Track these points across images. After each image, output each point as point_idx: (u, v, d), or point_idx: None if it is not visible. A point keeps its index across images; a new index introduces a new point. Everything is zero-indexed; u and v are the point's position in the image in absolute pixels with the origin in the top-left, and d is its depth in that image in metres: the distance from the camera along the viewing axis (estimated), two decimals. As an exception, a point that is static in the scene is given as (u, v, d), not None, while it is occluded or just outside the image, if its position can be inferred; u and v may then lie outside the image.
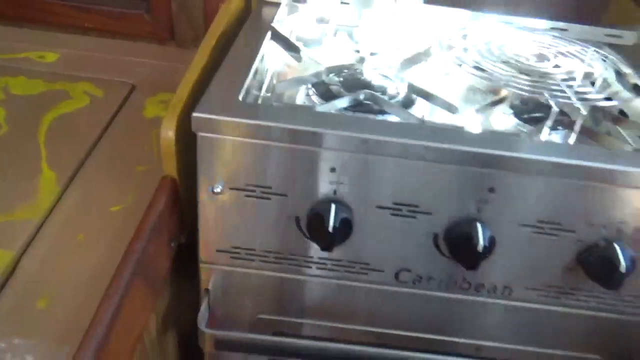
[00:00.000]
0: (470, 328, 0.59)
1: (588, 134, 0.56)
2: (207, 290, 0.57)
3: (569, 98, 0.56)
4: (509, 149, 0.47)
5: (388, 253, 0.53)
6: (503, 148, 0.47)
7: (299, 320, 0.60)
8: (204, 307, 0.56)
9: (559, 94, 0.57)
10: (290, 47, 0.63)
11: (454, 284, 0.54)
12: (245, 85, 0.52)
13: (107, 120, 0.64)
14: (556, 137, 0.58)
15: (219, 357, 0.67)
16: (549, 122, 0.53)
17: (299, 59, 0.63)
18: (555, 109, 0.52)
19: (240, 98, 0.49)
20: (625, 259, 0.48)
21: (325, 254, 0.53)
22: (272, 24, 0.63)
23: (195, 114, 0.45)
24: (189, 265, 0.57)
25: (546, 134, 0.53)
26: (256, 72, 0.58)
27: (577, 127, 0.52)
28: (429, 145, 0.46)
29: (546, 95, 0.56)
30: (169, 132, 0.47)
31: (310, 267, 0.54)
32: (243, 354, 0.65)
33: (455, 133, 0.50)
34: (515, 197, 0.48)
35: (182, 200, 0.53)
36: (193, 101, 0.48)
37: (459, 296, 0.56)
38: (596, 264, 0.50)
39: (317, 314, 0.59)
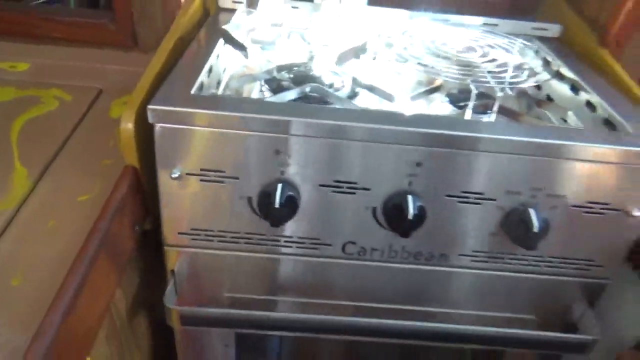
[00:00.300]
0: (415, 295, 0.65)
1: (510, 114, 0.63)
2: (172, 271, 0.62)
3: (489, 83, 0.63)
4: (433, 127, 0.53)
5: (334, 228, 0.59)
6: (428, 126, 0.53)
7: (262, 297, 0.66)
8: (170, 286, 0.61)
9: (481, 80, 0.64)
10: (238, 46, 0.69)
11: (395, 254, 0.60)
12: (198, 81, 0.57)
13: (76, 121, 0.69)
14: (485, 119, 0.65)
15: (190, 337, 0.72)
16: (470, 104, 0.60)
17: (247, 56, 0.68)
18: (474, 91, 0.59)
19: (192, 92, 0.54)
20: (538, 221, 0.54)
21: (278, 232, 0.59)
22: (224, 27, 0.69)
23: (150, 106, 0.50)
24: (159, 251, 0.62)
25: (469, 116, 0.60)
26: (211, 70, 0.64)
27: (495, 108, 0.59)
28: (361, 126, 0.52)
29: (469, 81, 0.63)
30: (128, 125, 0.53)
31: (266, 245, 0.60)
32: (212, 331, 0.70)
33: (384, 115, 0.56)
34: (441, 171, 0.54)
35: (144, 188, 0.58)
36: (151, 97, 0.54)
37: (401, 265, 0.62)
38: (515, 228, 0.56)
39: (277, 289, 0.65)
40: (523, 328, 0.66)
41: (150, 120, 0.51)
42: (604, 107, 0.62)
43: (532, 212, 0.55)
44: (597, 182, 0.55)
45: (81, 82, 0.75)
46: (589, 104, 0.65)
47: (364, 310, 0.66)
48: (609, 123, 0.61)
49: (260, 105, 0.55)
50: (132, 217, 0.56)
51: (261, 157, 0.53)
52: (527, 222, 0.55)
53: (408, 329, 0.63)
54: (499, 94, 0.60)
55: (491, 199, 0.56)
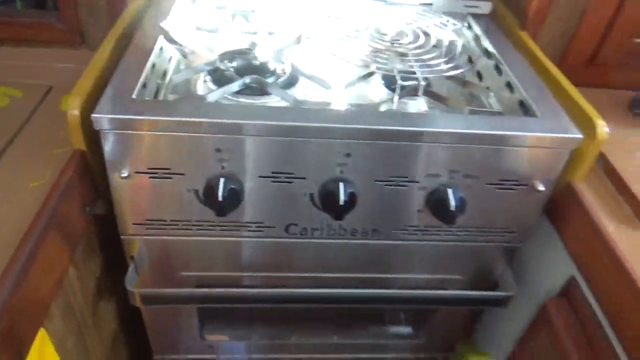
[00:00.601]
0: (354, 265, 0.72)
1: (436, 98, 0.68)
2: (132, 257, 0.68)
3: (414, 73, 0.68)
4: (358, 122, 0.58)
5: (276, 212, 0.65)
6: (353, 122, 0.58)
7: (215, 274, 0.72)
8: (130, 271, 0.67)
9: (408, 69, 0.69)
10: (173, 41, 0.71)
11: (334, 231, 0.67)
12: (141, 80, 0.61)
13: (27, 115, 0.72)
14: (415, 103, 0.70)
15: (154, 314, 0.79)
16: (397, 92, 0.65)
17: (185, 56, 0.71)
18: (399, 82, 0.64)
19: (134, 95, 0.58)
20: (455, 200, 0.62)
21: (227, 218, 0.64)
22: (162, 24, 0.71)
23: (94, 115, 0.54)
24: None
25: (396, 102, 0.66)
26: (154, 65, 0.67)
27: (420, 93, 0.65)
28: (292, 125, 0.57)
29: (396, 71, 0.67)
30: (74, 111, 0.56)
31: (215, 230, 0.66)
32: (175, 308, 0.77)
33: (314, 112, 0.60)
34: (368, 159, 0.60)
35: (93, 171, 0.62)
36: (95, 87, 0.57)
37: (341, 241, 0.69)
38: (436, 206, 0.63)
39: (229, 267, 0.71)
40: (451, 288, 0.75)
41: (95, 127, 0.55)
42: (520, 90, 0.68)
43: (449, 191, 0.62)
44: (507, 162, 0.62)
45: (31, 80, 0.77)
46: (508, 85, 0.71)
47: (309, 280, 0.73)
48: (523, 105, 0.67)
49: (198, 107, 0.58)
50: (81, 198, 0.61)
51: (203, 154, 0.58)
52: (446, 200, 0.62)
53: (351, 296, 0.72)
54: (422, 82, 0.65)
55: (415, 182, 0.63)
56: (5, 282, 0.48)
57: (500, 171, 0.63)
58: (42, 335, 0.55)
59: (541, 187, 0.63)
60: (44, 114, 0.73)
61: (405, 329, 0.92)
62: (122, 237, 0.66)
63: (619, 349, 0.57)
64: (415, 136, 0.59)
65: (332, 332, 0.90)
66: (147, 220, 0.64)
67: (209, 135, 0.57)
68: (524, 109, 0.66)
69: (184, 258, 0.69)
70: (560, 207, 0.68)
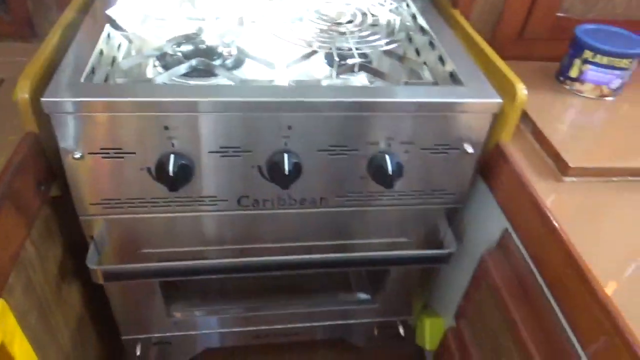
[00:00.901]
0: (307, 233, 0.77)
1: (375, 73, 0.74)
2: (91, 237, 0.71)
3: (351, 50, 0.72)
4: (296, 96, 0.63)
5: (227, 185, 0.69)
6: (292, 96, 0.63)
7: (177, 249, 0.76)
8: (91, 250, 0.70)
9: (345, 46, 0.74)
10: (118, 27, 0.74)
11: (284, 201, 0.72)
12: (89, 66, 0.63)
13: (-21, 107, 0.73)
14: (356, 78, 0.75)
15: (122, 299, 0.82)
16: (335, 67, 0.70)
17: (129, 39, 0.74)
18: (336, 59, 0.69)
19: (82, 79, 0.61)
20: (392, 165, 0.67)
21: (179, 194, 0.68)
22: (108, 12, 0.73)
23: (43, 99, 0.57)
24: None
25: (334, 77, 0.70)
26: (102, 52, 0.69)
27: (356, 68, 0.70)
28: (235, 100, 0.61)
29: (336, 45, 0.72)
30: (24, 95, 0.59)
31: (170, 206, 0.69)
32: (138, 286, 0.80)
33: (255, 89, 0.64)
34: (309, 130, 0.65)
35: (48, 154, 0.65)
36: (45, 73, 0.59)
37: (291, 211, 0.73)
38: (376, 171, 0.68)
39: (189, 243, 0.75)
40: (398, 250, 0.81)
41: (45, 111, 0.57)
42: (450, 63, 0.74)
43: (387, 157, 0.67)
44: (437, 128, 0.67)
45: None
46: (440, 58, 0.77)
47: (265, 251, 0.78)
48: (452, 76, 0.73)
49: (144, 88, 0.62)
50: (35, 177, 0.63)
51: (152, 133, 0.61)
52: (384, 166, 0.67)
53: (302, 261, 0.77)
54: (357, 59, 0.69)
55: (355, 150, 0.68)
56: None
57: (433, 136, 0.68)
58: (1, 305, 0.58)
59: (470, 150, 0.69)
60: (-4, 104, 0.75)
61: (364, 295, 0.98)
62: (80, 217, 0.69)
63: (547, 293, 0.63)
64: (351, 107, 0.63)
65: (295, 302, 0.95)
66: (103, 200, 0.67)
67: (156, 113, 0.60)
68: (453, 79, 0.72)
69: (143, 236, 0.72)
70: (491, 166, 0.74)
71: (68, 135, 0.60)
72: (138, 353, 0.92)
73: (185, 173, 0.64)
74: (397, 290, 0.94)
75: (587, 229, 0.62)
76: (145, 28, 0.78)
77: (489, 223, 0.78)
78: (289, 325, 0.97)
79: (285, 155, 0.64)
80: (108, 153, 0.62)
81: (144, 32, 0.78)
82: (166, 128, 0.61)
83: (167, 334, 0.92)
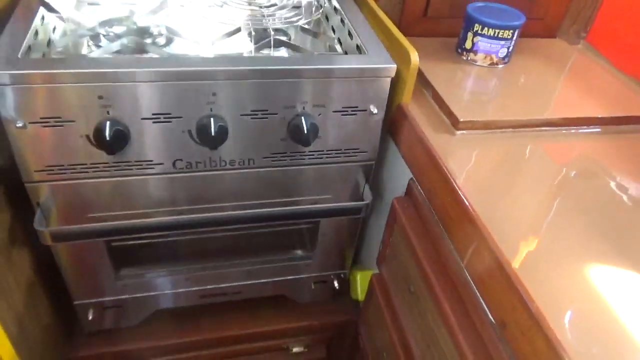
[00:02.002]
0: (239, 194, 0.86)
1: (291, 47, 0.83)
2: (38, 203, 0.77)
3: (268, 26, 0.82)
4: (220, 65, 0.71)
5: (162, 149, 0.77)
6: (215, 65, 0.71)
7: (120, 213, 0.83)
8: (38, 214, 0.77)
9: (267, 23, 0.83)
10: (52, 9, 0.80)
11: (215, 163, 0.81)
12: (25, 44, 0.69)
13: None
14: (278, 53, 0.85)
15: (71, 263, 0.88)
16: (253, 42, 0.79)
17: (63, 19, 0.80)
18: (252, 33, 0.78)
19: (19, 55, 0.67)
20: (306, 125, 0.77)
21: (118, 159, 0.75)
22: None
23: (-18, 72, 0.63)
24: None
25: (253, 50, 0.79)
26: (37, 33, 0.75)
27: (272, 43, 0.79)
28: (162, 70, 0.69)
29: (257, 24, 0.81)
30: None
31: (110, 171, 0.77)
32: (83, 245, 0.87)
33: (182, 59, 0.72)
34: (231, 96, 0.74)
35: None
36: None
37: (222, 172, 0.82)
38: (294, 132, 0.78)
39: (132, 206, 0.83)
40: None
41: (-15, 83, 0.64)
42: (356, 36, 0.84)
43: (302, 119, 0.77)
44: (346, 92, 0.78)
45: None
46: (349, 34, 0.87)
47: (202, 211, 0.86)
48: (358, 48, 0.83)
49: (79, 61, 0.69)
50: None
51: (88, 102, 0.69)
52: (300, 127, 0.77)
53: (239, 217, 0.86)
54: (272, 34, 0.79)
55: (274, 114, 0.77)
56: None
57: (342, 99, 0.78)
58: None
59: (375, 111, 0.80)
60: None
61: (301, 252, 1.08)
62: (26, 184, 0.75)
63: (445, 234, 0.75)
64: (267, 73, 0.73)
65: (239, 261, 1.04)
66: (47, 167, 0.73)
67: (90, 84, 0.67)
68: (359, 50, 0.83)
69: (88, 200, 0.79)
70: (396, 125, 0.86)
71: (9, 106, 0.66)
72: (90, 317, 0.99)
73: (120, 138, 0.71)
74: (329, 246, 1.04)
75: (470, 172, 0.75)
76: (78, 11, 0.84)
77: (399, 175, 0.90)
78: (234, 284, 1.06)
79: (212, 119, 0.73)
80: (48, 122, 0.69)
81: (78, 15, 0.84)
82: (100, 97, 0.69)
83: (118, 297, 0.99)
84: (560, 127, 0.86)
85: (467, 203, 0.66)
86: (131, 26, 0.85)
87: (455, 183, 0.69)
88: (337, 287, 1.14)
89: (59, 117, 0.69)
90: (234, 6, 0.89)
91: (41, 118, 0.68)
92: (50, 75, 0.65)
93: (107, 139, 0.69)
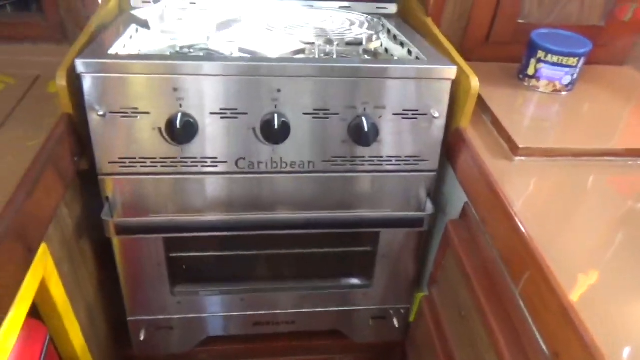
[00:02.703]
0: (299, 200, 0.86)
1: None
2: (107, 197, 0.81)
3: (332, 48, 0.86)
4: (286, 62, 0.75)
5: (227, 147, 0.79)
6: (282, 61, 0.75)
7: (179, 215, 0.85)
8: (106, 207, 0.80)
9: (330, 45, 0.88)
10: (142, 22, 0.89)
11: (276, 164, 0.82)
12: (114, 50, 0.77)
13: (21, 96, 0.87)
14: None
15: (127, 255, 0.89)
16: (316, 50, 0.83)
17: (149, 28, 0.88)
18: (317, 42, 0.83)
19: (109, 52, 0.74)
20: (367, 124, 0.77)
21: (185, 154, 0.79)
22: (132, 12, 0.89)
23: (77, 60, 0.70)
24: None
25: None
26: (124, 47, 0.84)
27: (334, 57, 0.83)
28: (232, 64, 0.74)
29: (321, 44, 0.86)
30: (62, 81, 0.72)
31: (177, 167, 0.80)
32: (144, 248, 0.88)
33: (251, 58, 0.77)
34: (295, 94, 0.76)
35: (78, 131, 0.77)
36: None
37: (282, 175, 0.83)
38: (355, 132, 0.79)
39: (192, 205, 0.84)
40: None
41: (78, 70, 0.70)
42: (415, 52, 0.87)
43: (363, 119, 0.78)
44: (407, 93, 0.79)
45: (22, 70, 0.94)
46: (409, 52, 0.90)
47: (260, 213, 0.86)
48: (418, 58, 0.86)
49: (158, 56, 0.75)
50: (71, 149, 0.75)
51: (163, 94, 0.74)
52: (361, 127, 0.78)
53: (297, 220, 0.85)
54: (334, 50, 0.83)
55: (336, 114, 0.79)
56: (19, 194, 0.61)
57: (402, 102, 0.79)
58: (43, 249, 0.67)
59: (437, 114, 0.80)
60: (34, 94, 0.89)
61: (357, 280, 1.03)
62: (98, 177, 0.79)
63: (499, 260, 0.71)
64: (329, 71, 0.76)
65: (295, 285, 1.00)
66: (120, 158, 0.78)
67: (166, 75, 0.72)
68: (419, 60, 0.85)
69: (152, 197, 0.82)
70: (453, 148, 0.85)
71: (92, 95, 0.72)
72: (142, 337, 0.97)
73: (190, 130, 0.75)
74: (388, 272, 0.99)
75: (528, 199, 0.70)
76: (162, 38, 0.94)
77: (454, 197, 0.87)
78: (288, 311, 1.01)
79: (275, 115, 0.76)
80: (127, 112, 0.74)
81: (162, 37, 0.93)
82: (175, 90, 0.73)
83: (171, 316, 0.97)
84: (625, 158, 0.81)
85: (523, 230, 0.62)
86: (207, 48, 0.93)
87: (512, 210, 0.66)
88: (397, 326, 1.06)
89: (137, 108, 0.74)
90: (302, 29, 0.95)
91: (121, 108, 0.74)
92: (130, 65, 0.71)
93: (178, 128, 0.73)
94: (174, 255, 0.92)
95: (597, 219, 0.68)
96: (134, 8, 1.01)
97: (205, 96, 0.75)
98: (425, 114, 0.81)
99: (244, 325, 1.02)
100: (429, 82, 0.78)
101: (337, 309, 1.03)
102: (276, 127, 0.75)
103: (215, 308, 0.99)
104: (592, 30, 1.06)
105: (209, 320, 1.00)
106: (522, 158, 0.80)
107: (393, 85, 0.78)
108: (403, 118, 0.81)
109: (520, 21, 1.05)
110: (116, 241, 0.86)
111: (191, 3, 1.04)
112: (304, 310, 1.02)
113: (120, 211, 0.82)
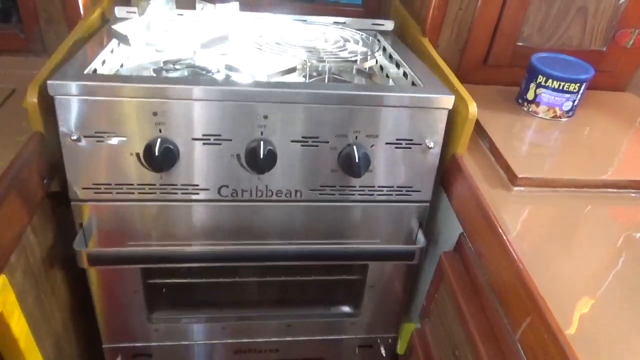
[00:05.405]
0: (284, 230, 0.82)
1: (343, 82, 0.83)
2: (80, 224, 0.76)
3: (324, 60, 0.82)
4: (274, 87, 0.71)
5: (209, 174, 0.75)
6: (269, 87, 0.71)
7: (160, 243, 0.80)
8: (79, 235, 0.75)
9: (323, 62, 0.84)
10: (122, 37, 0.84)
11: (261, 193, 0.77)
12: (92, 67, 0.73)
13: (-7, 111, 0.82)
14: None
15: (102, 284, 0.85)
16: (307, 75, 0.79)
17: (130, 44, 0.83)
18: (308, 63, 0.78)
19: (85, 72, 0.70)
20: (358, 154, 0.73)
21: (166, 181, 0.74)
22: (113, 26, 0.84)
23: (49, 81, 0.65)
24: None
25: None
26: (104, 62, 0.79)
27: (326, 77, 0.79)
28: (216, 89, 0.69)
29: (312, 62, 0.82)
30: (33, 99, 0.67)
31: (155, 193, 0.75)
32: (120, 275, 0.83)
33: (236, 82, 0.73)
34: (282, 120, 0.72)
35: (50, 151, 0.72)
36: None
37: (267, 204, 0.79)
38: (345, 162, 0.75)
39: (172, 234, 0.80)
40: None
41: (50, 92, 0.66)
42: (411, 75, 0.83)
43: (354, 148, 0.74)
44: (400, 122, 0.75)
45: (-3, 84, 0.89)
46: (404, 74, 0.86)
47: (241, 245, 0.82)
48: (413, 84, 0.82)
49: (136, 78, 0.71)
50: (39, 171, 0.70)
51: (141, 118, 0.69)
52: (352, 156, 0.74)
53: (283, 252, 0.81)
54: (327, 67, 0.79)
55: (325, 142, 0.75)
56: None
57: (395, 131, 0.75)
58: (3, 281, 0.62)
59: (431, 144, 0.76)
60: (7, 110, 0.84)
61: (344, 309, 0.99)
62: (72, 203, 0.74)
63: (491, 294, 0.67)
64: (319, 97, 0.71)
65: (277, 313, 0.96)
66: (94, 184, 0.73)
67: (146, 99, 0.68)
68: (414, 85, 0.81)
69: (130, 225, 0.77)
70: (449, 176, 0.81)
71: (67, 118, 0.68)
72: (118, 365, 0.93)
73: (170, 156, 0.70)
74: (376, 302, 0.95)
75: (526, 232, 0.67)
76: (147, 51, 0.89)
77: (448, 227, 0.83)
78: (272, 339, 0.97)
79: (261, 142, 0.71)
80: (102, 137, 0.69)
81: (145, 52, 0.88)
82: (154, 114, 0.69)
83: (149, 344, 0.93)
84: (626, 190, 0.78)
85: (523, 270, 0.59)
86: (193, 63, 0.88)
87: (511, 246, 0.62)
88: (384, 355, 1.02)
89: (113, 133, 0.69)
90: (293, 47, 0.91)
91: (96, 132, 0.69)
92: (108, 88, 0.67)
93: (156, 155, 0.68)
94: (152, 281, 0.87)
95: (599, 253, 0.64)
96: (118, 19, 0.97)
97: (187, 121, 0.70)
98: (419, 144, 0.77)
99: (225, 353, 0.98)
100: (425, 110, 0.74)
101: (323, 337, 0.99)
102: (261, 156, 0.71)
103: (195, 336, 0.95)
104: (594, 55, 1.03)
105: (189, 348, 0.96)
106: (521, 188, 0.76)
107: (387, 114, 0.74)
108: (396, 147, 0.77)
109: (519, 44, 1.02)
110: (91, 270, 0.81)
111: (179, 15, 0.99)
112: (288, 338, 0.98)
113: (95, 240, 0.77)
